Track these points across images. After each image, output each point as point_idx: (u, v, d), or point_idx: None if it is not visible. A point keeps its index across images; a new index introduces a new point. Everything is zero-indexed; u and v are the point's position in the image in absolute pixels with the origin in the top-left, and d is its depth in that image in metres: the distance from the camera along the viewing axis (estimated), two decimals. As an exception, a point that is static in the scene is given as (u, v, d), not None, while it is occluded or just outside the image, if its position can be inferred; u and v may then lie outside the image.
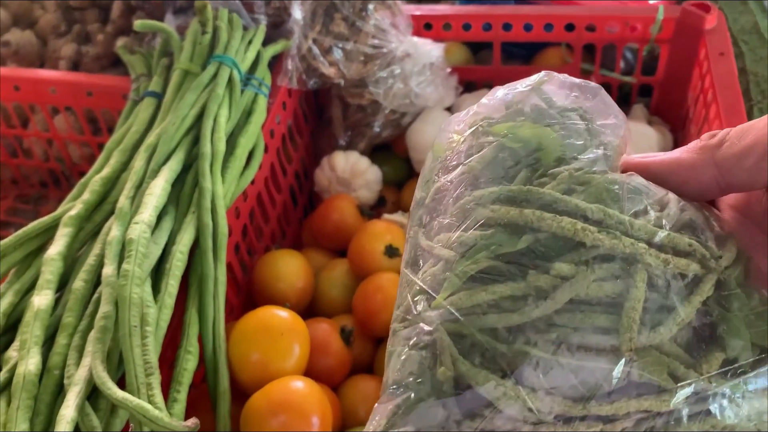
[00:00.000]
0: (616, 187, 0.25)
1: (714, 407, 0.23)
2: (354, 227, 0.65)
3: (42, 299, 0.44)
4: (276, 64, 0.66)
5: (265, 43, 0.65)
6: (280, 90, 0.66)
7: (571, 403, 0.23)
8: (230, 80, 0.58)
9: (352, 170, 0.69)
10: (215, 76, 0.58)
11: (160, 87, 0.61)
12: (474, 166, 0.26)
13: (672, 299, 0.23)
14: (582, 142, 0.26)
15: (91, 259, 0.47)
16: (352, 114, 0.71)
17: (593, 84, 0.28)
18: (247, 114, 0.60)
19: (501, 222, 0.24)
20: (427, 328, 0.24)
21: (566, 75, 0.29)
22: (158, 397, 0.39)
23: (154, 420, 0.37)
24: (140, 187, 0.51)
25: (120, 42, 0.71)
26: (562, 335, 0.23)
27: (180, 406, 0.42)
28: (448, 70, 0.71)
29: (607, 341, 0.23)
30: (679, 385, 0.23)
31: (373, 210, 0.71)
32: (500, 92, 0.29)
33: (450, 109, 0.72)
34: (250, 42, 0.63)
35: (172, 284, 0.46)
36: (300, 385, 0.45)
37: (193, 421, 0.38)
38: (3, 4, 0.80)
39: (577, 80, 0.28)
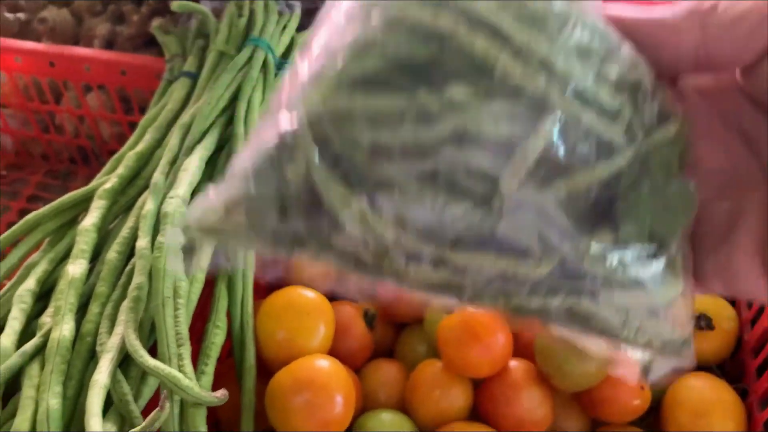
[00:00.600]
0: (565, 17, 0.20)
1: (582, 287, 0.21)
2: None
3: (77, 268, 0.45)
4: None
5: (299, 29, 0.66)
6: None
7: (423, 243, 0.20)
8: (265, 64, 0.59)
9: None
10: (250, 59, 0.59)
11: (195, 67, 0.62)
12: None
13: (574, 160, 0.20)
14: None
15: (124, 232, 0.48)
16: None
17: None
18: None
19: (407, 23, 0.19)
20: (289, 123, 0.20)
21: None
22: (188, 367, 0.40)
23: (185, 389, 0.38)
24: (174, 164, 0.52)
25: (155, 22, 0.71)
26: (434, 168, 0.19)
27: (207, 379, 0.43)
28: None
29: (482, 188, 0.19)
30: (546, 254, 0.20)
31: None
32: None
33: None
34: (284, 27, 0.64)
35: (204, 258, 0.46)
36: (325, 364, 0.46)
37: (222, 393, 0.39)
38: (41, -18, 0.81)
39: None
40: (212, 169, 0.54)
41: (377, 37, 0.19)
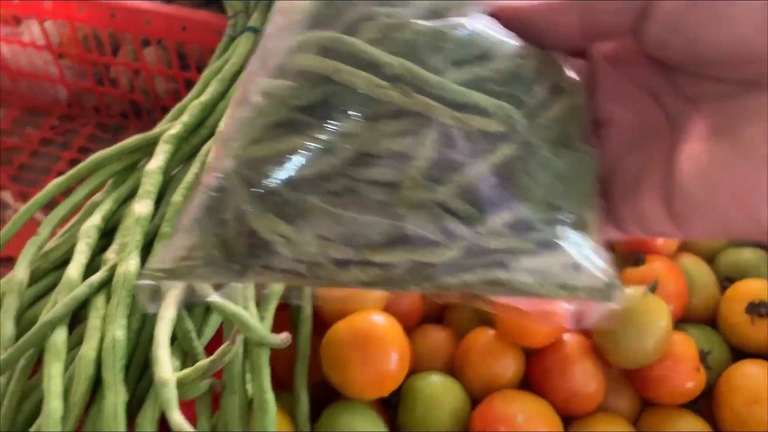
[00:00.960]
0: (435, 37, 0.23)
1: (491, 261, 0.24)
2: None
3: (143, 207, 0.46)
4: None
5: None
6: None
7: (346, 249, 0.23)
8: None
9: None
10: (317, 16, 0.58)
11: (259, 23, 0.62)
12: (297, 18, 0.25)
13: (462, 158, 0.23)
14: None
15: (189, 177, 0.49)
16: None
17: None
18: None
19: (304, 71, 0.23)
20: (220, 175, 0.24)
21: None
22: (253, 309, 0.40)
23: (252, 328, 0.38)
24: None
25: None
26: (342, 187, 0.23)
27: (267, 324, 0.43)
28: None
29: (385, 195, 0.23)
30: (450, 241, 0.23)
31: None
32: None
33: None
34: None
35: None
36: (382, 319, 0.46)
37: (285, 335, 0.39)
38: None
39: None
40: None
41: (276, 87, 0.23)
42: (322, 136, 0.23)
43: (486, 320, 0.54)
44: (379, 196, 0.23)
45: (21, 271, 0.43)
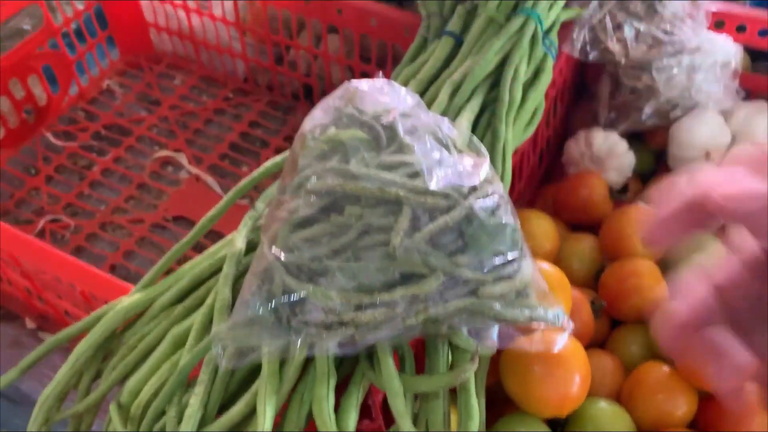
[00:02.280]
0: (410, 161, 0.38)
1: (469, 290, 0.36)
2: (601, 206, 0.65)
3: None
4: (561, 30, 0.67)
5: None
6: (561, 56, 0.66)
7: (360, 295, 0.35)
8: (534, 35, 0.59)
9: (610, 150, 0.68)
10: (522, 28, 0.59)
11: (459, 28, 0.63)
12: (303, 162, 0.39)
13: (425, 223, 0.36)
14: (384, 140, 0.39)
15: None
16: (622, 95, 0.70)
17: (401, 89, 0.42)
18: (537, 71, 0.61)
19: (322, 191, 0.37)
20: (266, 261, 0.37)
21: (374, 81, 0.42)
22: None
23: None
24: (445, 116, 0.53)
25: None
26: (355, 251, 0.36)
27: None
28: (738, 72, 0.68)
29: (383, 251, 0.35)
30: (433, 272, 0.35)
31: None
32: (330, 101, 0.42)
33: (725, 114, 0.69)
34: (552, 4, 0.64)
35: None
36: (568, 340, 0.46)
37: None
38: None
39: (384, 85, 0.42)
40: (472, 130, 0.55)
41: (308, 199, 0.37)
42: (337, 222, 0.36)
43: (656, 354, 0.53)
44: (378, 253, 0.35)
45: (239, 242, 0.46)
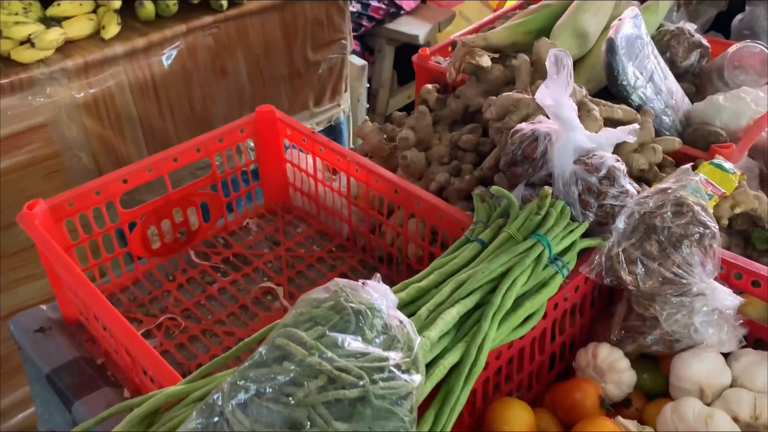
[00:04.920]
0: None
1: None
2: (588, 412, 0.73)
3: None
4: (586, 252, 0.79)
5: (586, 234, 0.78)
6: (579, 275, 0.78)
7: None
8: (539, 257, 0.72)
9: (611, 365, 0.77)
10: (530, 249, 0.73)
11: (488, 238, 0.78)
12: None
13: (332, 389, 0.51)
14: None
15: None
16: (633, 318, 0.79)
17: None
18: (542, 285, 0.73)
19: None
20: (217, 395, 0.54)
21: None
22: None
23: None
24: (440, 306, 0.67)
25: (477, 189, 0.90)
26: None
27: None
28: (740, 321, 0.75)
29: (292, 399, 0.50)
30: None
31: (614, 407, 0.77)
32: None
33: (727, 355, 0.75)
34: (571, 231, 0.77)
35: (428, 386, 0.61)
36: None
37: None
38: (415, 128, 1.07)
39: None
40: (464, 320, 0.68)
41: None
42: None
43: None
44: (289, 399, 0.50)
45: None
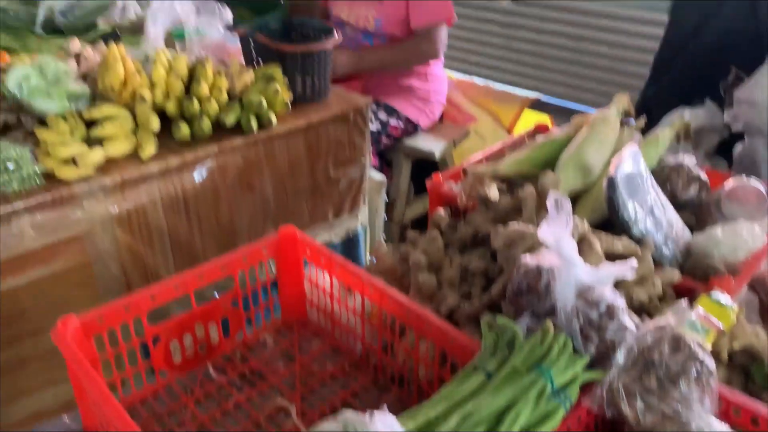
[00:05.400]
0: None
1: None
2: None
3: None
4: (590, 385, 0.82)
5: (590, 365, 0.82)
6: (582, 407, 0.80)
7: None
8: (542, 390, 0.76)
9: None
10: (533, 384, 0.76)
11: (493, 369, 0.82)
12: None
13: None
14: None
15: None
16: (634, 451, 0.81)
17: None
18: (544, 418, 0.76)
19: None
20: None
21: None
22: None
23: None
24: (444, 439, 0.71)
25: (485, 317, 0.94)
26: None
27: None
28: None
29: None
30: None
31: None
32: None
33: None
34: (573, 363, 0.80)
35: None
36: None
37: None
38: (427, 251, 1.13)
39: None
40: (469, 453, 0.71)
41: None
42: None
43: None
44: None
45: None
